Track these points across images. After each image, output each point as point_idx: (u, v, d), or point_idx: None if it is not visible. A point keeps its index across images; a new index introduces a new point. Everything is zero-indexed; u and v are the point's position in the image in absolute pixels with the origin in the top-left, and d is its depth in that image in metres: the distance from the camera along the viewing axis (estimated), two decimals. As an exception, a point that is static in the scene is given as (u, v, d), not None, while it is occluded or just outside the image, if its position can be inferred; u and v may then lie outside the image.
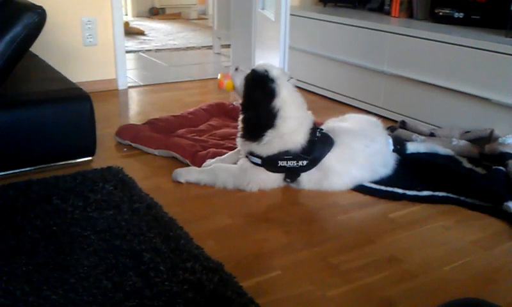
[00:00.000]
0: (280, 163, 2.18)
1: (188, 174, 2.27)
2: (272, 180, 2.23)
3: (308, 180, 2.22)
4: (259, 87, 2.17)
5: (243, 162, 2.25)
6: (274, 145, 2.17)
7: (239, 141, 2.28)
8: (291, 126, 2.16)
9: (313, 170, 2.20)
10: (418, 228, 1.97)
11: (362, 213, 2.09)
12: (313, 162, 2.19)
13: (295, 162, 2.18)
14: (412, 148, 2.52)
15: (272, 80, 2.15)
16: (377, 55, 3.26)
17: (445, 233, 1.94)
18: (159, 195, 2.10)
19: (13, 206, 1.96)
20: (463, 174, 2.27)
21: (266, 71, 2.18)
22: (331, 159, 2.20)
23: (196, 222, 1.93)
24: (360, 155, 2.24)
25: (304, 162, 2.18)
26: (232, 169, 2.25)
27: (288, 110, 2.15)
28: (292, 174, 2.22)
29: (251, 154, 2.21)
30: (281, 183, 2.25)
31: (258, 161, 2.19)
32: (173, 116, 2.94)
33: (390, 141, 2.42)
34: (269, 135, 2.15)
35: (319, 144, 2.20)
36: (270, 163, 2.19)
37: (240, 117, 2.25)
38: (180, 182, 2.26)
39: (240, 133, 2.24)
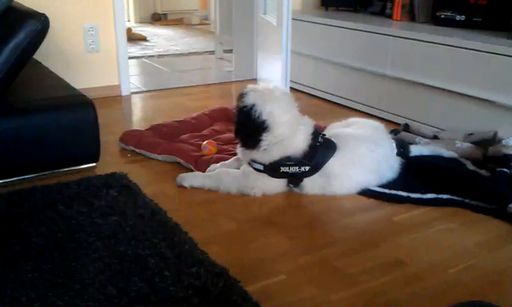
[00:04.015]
0: (282, 169, 2.18)
1: (192, 178, 2.28)
2: (276, 185, 2.23)
3: (311, 185, 2.21)
4: (240, 111, 2.20)
5: (245, 167, 2.25)
6: (275, 151, 2.17)
7: (239, 151, 2.29)
8: (285, 130, 2.16)
9: (316, 175, 2.20)
10: (423, 230, 1.97)
11: (366, 216, 2.09)
12: (316, 168, 2.19)
13: (297, 167, 2.18)
14: (416, 150, 2.52)
15: (245, 94, 2.19)
16: (380, 59, 3.26)
17: (449, 236, 1.94)
18: (163, 200, 2.11)
19: (18, 213, 1.96)
20: (467, 176, 2.27)
21: (244, 92, 2.21)
22: (334, 164, 2.20)
23: (200, 227, 1.94)
24: (364, 159, 2.24)
25: (307, 168, 2.18)
26: (235, 174, 2.25)
27: (277, 115, 2.15)
28: (294, 180, 2.22)
29: (253, 161, 2.21)
30: (285, 188, 2.25)
31: (261, 167, 2.20)
32: (176, 122, 2.94)
33: (394, 144, 2.42)
34: (267, 139, 2.15)
35: (321, 150, 2.20)
36: (272, 169, 2.19)
37: (236, 134, 2.27)
38: (184, 187, 2.26)
39: (239, 143, 2.25)
